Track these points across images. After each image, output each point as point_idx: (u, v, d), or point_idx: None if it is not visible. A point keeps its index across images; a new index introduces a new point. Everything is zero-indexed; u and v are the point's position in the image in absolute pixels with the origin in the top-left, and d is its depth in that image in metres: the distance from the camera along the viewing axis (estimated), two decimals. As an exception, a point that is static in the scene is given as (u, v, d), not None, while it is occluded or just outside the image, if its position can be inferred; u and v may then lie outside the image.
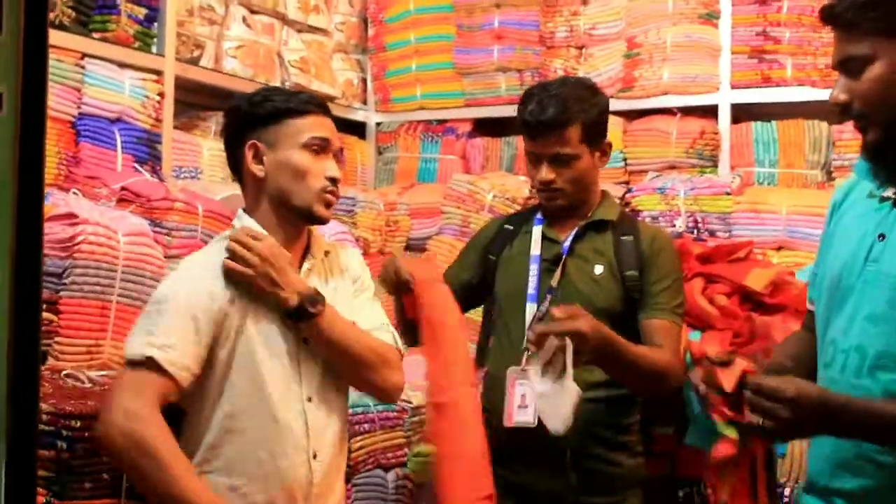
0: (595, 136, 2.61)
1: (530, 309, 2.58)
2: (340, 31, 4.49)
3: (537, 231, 2.69)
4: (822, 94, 3.35)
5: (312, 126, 2.18)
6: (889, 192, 1.80)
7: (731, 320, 2.88)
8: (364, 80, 4.64)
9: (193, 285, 2.08)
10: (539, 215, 2.72)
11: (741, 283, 2.94)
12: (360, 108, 4.59)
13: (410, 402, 3.06)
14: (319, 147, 2.18)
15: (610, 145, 2.68)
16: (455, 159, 4.38)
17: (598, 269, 2.59)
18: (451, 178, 4.15)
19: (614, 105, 4.08)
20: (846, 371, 1.76)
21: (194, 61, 3.51)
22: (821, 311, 1.89)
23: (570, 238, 2.64)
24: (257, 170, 2.16)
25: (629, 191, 3.81)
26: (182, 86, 3.37)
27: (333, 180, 2.18)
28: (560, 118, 2.52)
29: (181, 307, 2.03)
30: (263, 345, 2.10)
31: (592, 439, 2.55)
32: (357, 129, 4.58)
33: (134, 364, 1.98)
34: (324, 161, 2.18)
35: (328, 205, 2.19)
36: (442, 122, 4.48)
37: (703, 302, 2.90)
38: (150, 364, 1.97)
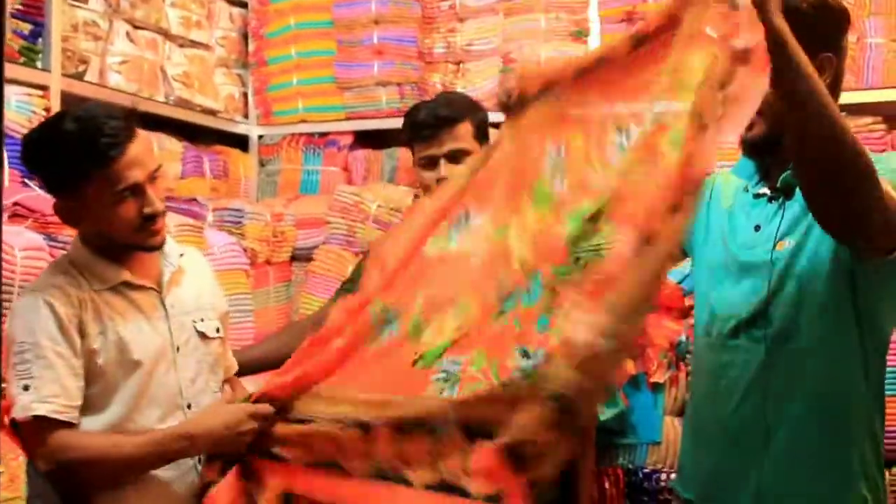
0: (485, 135, 2.77)
1: None
2: (221, 45, 4.52)
3: None
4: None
5: (118, 176, 1.99)
6: (764, 189, 2.02)
7: (608, 320, 3.07)
8: (245, 95, 4.68)
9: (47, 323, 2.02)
10: None
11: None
12: (242, 121, 4.62)
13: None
14: (131, 192, 2.03)
15: None
16: (337, 171, 4.45)
17: None
18: (333, 189, 4.23)
19: (492, 118, 4.22)
20: (722, 334, 2.03)
21: (79, 76, 3.51)
22: (703, 288, 2.14)
23: None
24: (73, 224, 2.14)
25: (508, 200, 3.96)
26: (67, 101, 3.36)
27: (152, 215, 2.07)
28: (452, 114, 2.70)
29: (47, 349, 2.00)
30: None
31: None
32: (239, 141, 4.62)
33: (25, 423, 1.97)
34: (138, 200, 2.04)
35: (155, 233, 2.11)
36: (324, 134, 4.54)
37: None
38: (41, 420, 1.96)
